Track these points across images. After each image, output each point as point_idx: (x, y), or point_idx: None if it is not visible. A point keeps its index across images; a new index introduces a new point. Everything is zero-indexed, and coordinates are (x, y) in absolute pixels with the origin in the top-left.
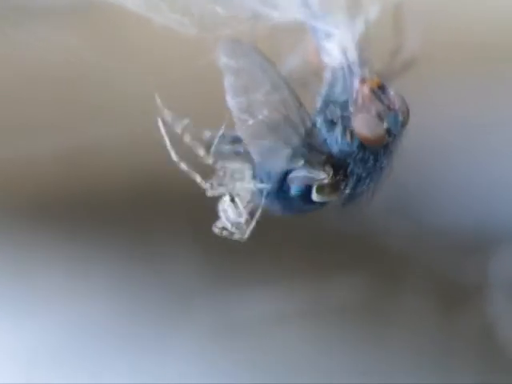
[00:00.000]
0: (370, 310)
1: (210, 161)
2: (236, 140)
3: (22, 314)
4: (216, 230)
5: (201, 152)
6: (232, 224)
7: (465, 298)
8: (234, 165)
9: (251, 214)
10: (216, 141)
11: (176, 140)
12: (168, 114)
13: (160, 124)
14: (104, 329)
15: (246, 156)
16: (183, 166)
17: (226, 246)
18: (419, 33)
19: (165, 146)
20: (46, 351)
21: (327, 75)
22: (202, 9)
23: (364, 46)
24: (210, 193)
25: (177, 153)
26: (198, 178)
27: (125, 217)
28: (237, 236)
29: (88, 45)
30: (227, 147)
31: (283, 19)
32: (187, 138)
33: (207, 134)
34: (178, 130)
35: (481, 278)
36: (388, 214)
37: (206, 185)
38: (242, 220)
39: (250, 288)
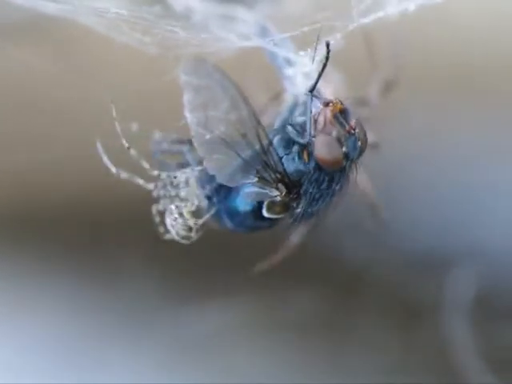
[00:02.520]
0: (326, 326)
1: (155, 172)
2: (182, 141)
3: None
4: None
5: (146, 165)
6: (181, 237)
7: (420, 316)
8: (180, 176)
9: (199, 224)
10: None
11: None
12: (118, 127)
13: (98, 146)
14: (61, 346)
15: (192, 168)
16: (124, 175)
17: (184, 262)
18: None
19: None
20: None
21: (288, 99)
22: (164, 30)
23: (328, 70)
24: (155, 192)
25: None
26: (141, 181)
27: (81, 235)
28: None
29: (49, 63)
30: (173, 146)
31: (243, 44)
32: (133, 152)
33: (157, 134)
34: (125, 143)
35: (436, 296)
36: (346, 232)
37: (149, 186)
38: (191, 233)
39: (208, 303)
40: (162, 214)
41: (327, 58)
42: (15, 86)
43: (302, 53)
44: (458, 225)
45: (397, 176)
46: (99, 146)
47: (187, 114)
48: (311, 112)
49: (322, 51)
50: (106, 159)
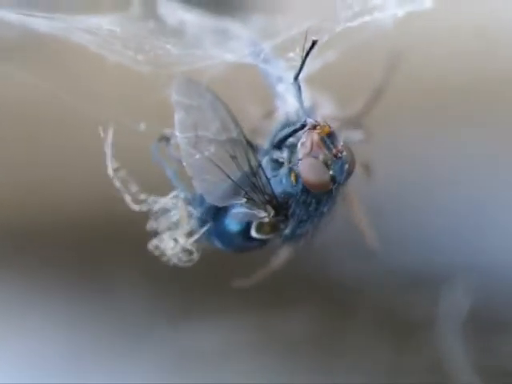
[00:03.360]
0: (318, 345)
1: (142, 197)
2: None
3: None
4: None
5: (133, 188)
6: (184, 261)
7: (413, 334)
8: (168, 201)
9: (192, 243)
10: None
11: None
12: (108, 148)
13: (105, 137)
14: (54, 360)
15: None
16: (117, 184)
17: (177, 280)
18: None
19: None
20: None
21: (279, 118)
22: (156, 47)
23: (319, 91)
24: (149, 227)
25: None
26: (129, 199)
27: (76, 248)
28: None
29: (40, 80)
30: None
31: (236, 61)
32: (119, 177)
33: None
34: (110, 171)
35: (429, 314)
36: (338, 250)
37: (135, 207)
38: (192, 255)
39: (201, 320)
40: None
41: (311, 49)
42: (4, 103)
43: (291, 54)
44: (450, 241)
45: (388, 194)
46: (102, 132)
47: (177, 134)
48: (301, 97)
49: (310, 67)
50: (109, 153)
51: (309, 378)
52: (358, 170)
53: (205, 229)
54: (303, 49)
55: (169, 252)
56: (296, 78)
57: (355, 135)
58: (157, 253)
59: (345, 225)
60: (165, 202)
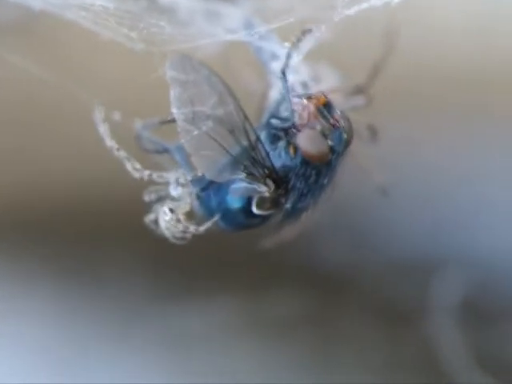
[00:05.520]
0: (311, 326)
1: (146, 172)
2: (165, 122)
3: None
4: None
5: (136, 165)
6: (177, 238)
7: (407, 320)
8: (172, 174)
9: (192, 224)
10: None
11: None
12: (105, 127)
13: (97, 115)
14: (47, 345)
15: (186, 165)
16: (117, 152)
17: (173, 261)
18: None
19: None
20: None
21: (274, 93)
22: (150, 24)
23: (313, 63)
24: (146, 197)
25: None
26: (130, 167)
27: (65, 233)
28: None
29: (33, 60)
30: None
31: (229, 38)
32: (122, 153)
33: (138, 123)
34: (112, 143)
35: (422, 299)
36: (333, 234)
37: (136, 174)
38: (186, 234)
39: (189, 303)
40: (155, 220)
41: (298, 40)
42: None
43: (287, 44)
44: (445, 229)
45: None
46: (97, 115)
47: (174, 110)
48: (288, 92)
49: (307, 43)
50: (103, 130)
51: (297, 361)
52: (363, 132)
53: (206, 208)
54: (298, 39)
55: (163, 225)
56: (283, 71)
57: (356, 101)
58: (151, 223)
59: (342, 206)
60: (167, 176)
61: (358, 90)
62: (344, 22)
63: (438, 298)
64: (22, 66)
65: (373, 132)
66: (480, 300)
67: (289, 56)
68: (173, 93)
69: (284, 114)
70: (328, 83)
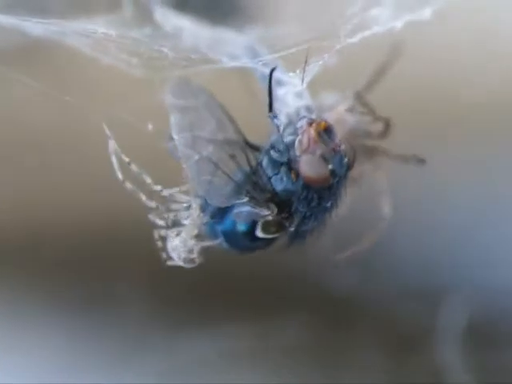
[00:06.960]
0: (317, 354)
1: (157, 187)
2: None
3: None
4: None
5: (148, 179)
6: (184, 261)
7: (413, 344)
8: (182, 197)
9: (199, 247)
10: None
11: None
12: (113, 145)
13: (110, 146)
14: (52, 371)
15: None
16: (128, 185)
17: (177, 289)
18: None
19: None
20: None
21: (279, 120)
22: (152, 50)
23: (315, 90)
24: (153, 214)
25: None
26: (143, 197)
27: (78, 260)
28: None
29: (35, 83)
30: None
31: (232, 65)
32: (134, 168)
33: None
34: (126, 158)
35: (429, 323)
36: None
37: (151, 203)
38: (193, 255)
39: (198, 329)
40: (163, 239)
41: (270, 81)
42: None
43: (291, 74)
44: (450, 256)
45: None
46: (111, 144)
47: (174, 136)
48: (281, 132)
49: (311, 72)
50: (114, 160)
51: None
52: (378, 127)
53: (213, 231)
54: (303, 71)
55: (170, 247)
56: (270, 108)
57: (374, 128)
58: (159, 244)
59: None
60: (180, 198)
61: (377, 118)
62: (347, 49)
63: (446, 324)
64: (26, 86)
65: (387, 125)
66: (487, 325)
67: (270, 96)
68: (172, 118)
69: (287, 139)
70: (342, 107)
